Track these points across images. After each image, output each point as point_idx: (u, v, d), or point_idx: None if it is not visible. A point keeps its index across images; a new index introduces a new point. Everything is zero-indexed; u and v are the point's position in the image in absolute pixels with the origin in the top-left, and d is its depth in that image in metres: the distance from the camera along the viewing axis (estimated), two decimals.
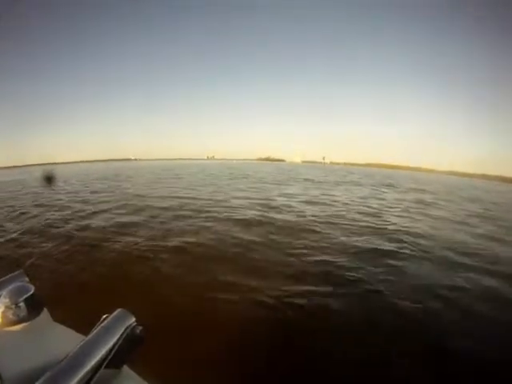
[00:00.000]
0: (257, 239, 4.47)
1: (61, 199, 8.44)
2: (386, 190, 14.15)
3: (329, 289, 2.93)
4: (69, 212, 6.50)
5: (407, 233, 5.41)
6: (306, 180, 18.52)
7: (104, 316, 0.55)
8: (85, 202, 7.91)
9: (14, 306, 0.57)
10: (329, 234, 5.03)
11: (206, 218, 5.85)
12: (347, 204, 8.73)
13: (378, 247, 4.36)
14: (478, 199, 14.48)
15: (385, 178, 27.39)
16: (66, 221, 5.61)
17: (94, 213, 6.36)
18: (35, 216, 6.14)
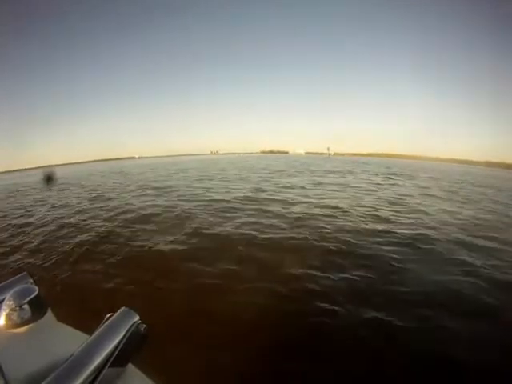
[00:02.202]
0: None
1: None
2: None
3: None
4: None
5: None
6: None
7: (108, 315, 0.55)
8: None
9: (18, 308, 0.58)
10: None
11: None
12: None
13: None
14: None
15: (401, 169, 25.75)
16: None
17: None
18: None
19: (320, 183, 11.07)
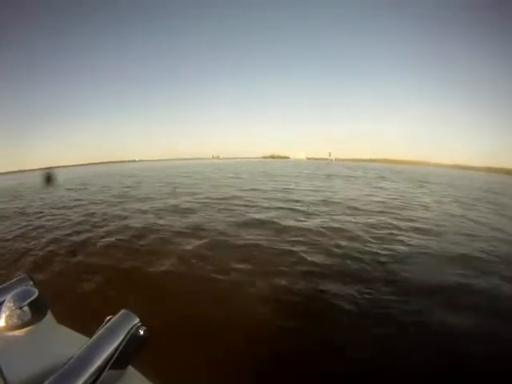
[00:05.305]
0: None
1: None
2: None
3: None
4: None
5: None
6: None
7: (108, 317, 0.55)
8: None
9: (18, 310, 0.58)
10: None
11: None
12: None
13: None
14: None
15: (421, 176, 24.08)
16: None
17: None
18: None
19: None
